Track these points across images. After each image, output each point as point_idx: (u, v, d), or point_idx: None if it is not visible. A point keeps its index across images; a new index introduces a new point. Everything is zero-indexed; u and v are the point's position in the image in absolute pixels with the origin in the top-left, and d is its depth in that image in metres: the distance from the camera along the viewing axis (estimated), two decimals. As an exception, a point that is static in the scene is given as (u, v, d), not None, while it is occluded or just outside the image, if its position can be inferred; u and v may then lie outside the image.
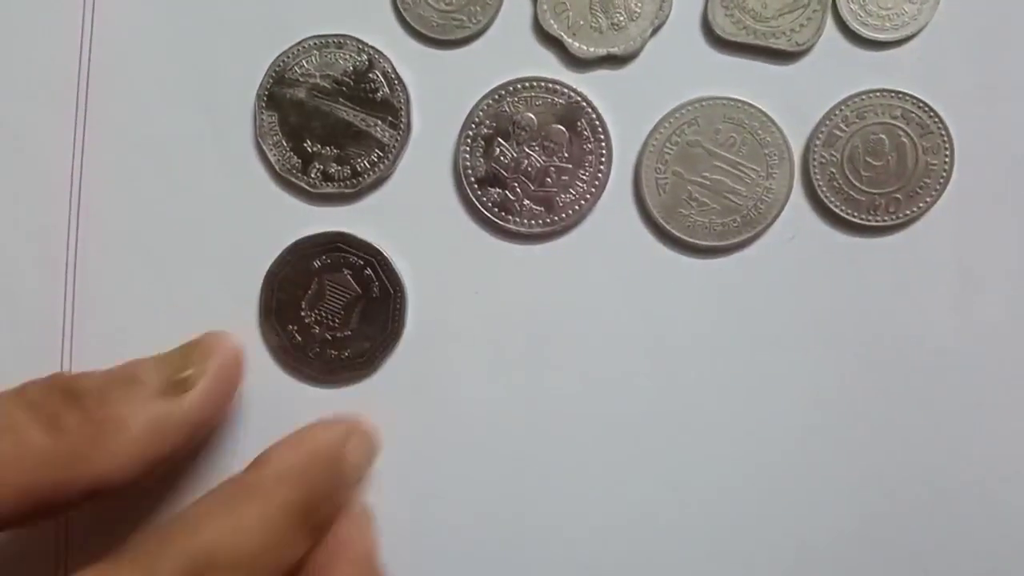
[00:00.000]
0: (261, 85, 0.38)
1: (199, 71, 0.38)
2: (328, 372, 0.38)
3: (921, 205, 0.36)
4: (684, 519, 0.38)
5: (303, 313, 0.38)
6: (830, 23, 0.36)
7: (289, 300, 0.38)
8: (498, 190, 0.37)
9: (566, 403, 0.38)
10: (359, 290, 0.38)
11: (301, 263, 0.38)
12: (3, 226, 0.39)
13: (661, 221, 0.37)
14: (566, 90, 0.37)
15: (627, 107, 0.37)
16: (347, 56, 0.38)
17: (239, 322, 0.38)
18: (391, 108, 0.38)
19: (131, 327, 0.39)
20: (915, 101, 0.36)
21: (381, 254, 0.38)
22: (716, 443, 0.38)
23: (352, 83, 0.38)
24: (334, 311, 0.38)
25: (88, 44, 0.39)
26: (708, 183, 0.37)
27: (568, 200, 0.37)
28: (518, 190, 0.37)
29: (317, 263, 0.38)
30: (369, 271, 0.38)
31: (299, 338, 0.38)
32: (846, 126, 0.36)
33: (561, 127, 0.37)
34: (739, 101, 0.36)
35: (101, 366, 0.37)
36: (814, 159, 0.36)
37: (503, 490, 0.38)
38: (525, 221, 0.37)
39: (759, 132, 0.36)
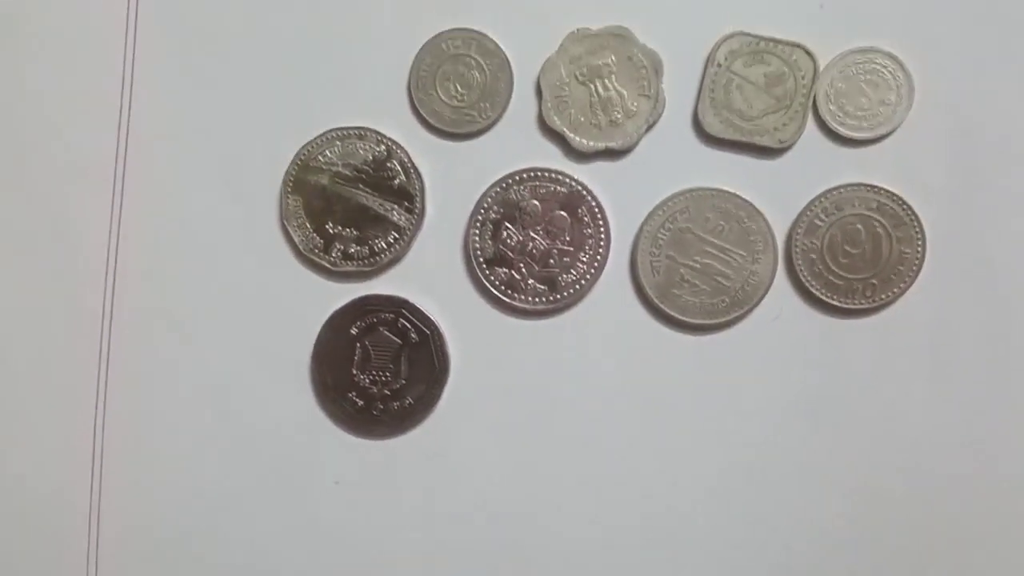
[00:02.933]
0: (287, 172, 0.41)
1: (229, 158, 0.41)
2: (399, 424, 0.40)
3: (895, 290, 0.39)
4: (672, 569, 0.40)
5: (357, 379, 0.40)
6: (811, 122, 0.39)
7: (340, 371, 0.40)
8: (505, 270, 0.40)
9: (566, 467, 0.40)
10: (399, 341, 0.40)
11: (340, 335, 0.40)
12: (39, 306, 0.42)
13: (656, 300, 0.39)
14: (568, 179, 0.40)
15: (624, 196, 0.40)
16: (367, 147, 0.41)
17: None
18: (407, 194, 0.41)
19: (165, 411, 0.41)
20: (889, 195, 0.38)
21: (407, 302, 0.40)
22: (706, 504, 0.40)
23: (371, 171, 0.41)
24: (384, 367, 0.40)
25: (125, 131, 0.42)
26: (699, 266, 0.39)
27: (570, 280, 0.40)
28: (524, 270, 0.40)
29: (354, 330, 0.40)
30: (402, 320, 0.40)
31: (361, 402, 0.40)
32: (826, 216, 0.39)
33: (563, 213, 0.40)
34: (727, 192, 0.39)
35: (134, 453, 0.40)
36: (796, 246, 0.39)
37: (507, 547, 0.41)
38: (530, 299, 0.40)
39: (745, 220, 0.39)
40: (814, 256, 0.39)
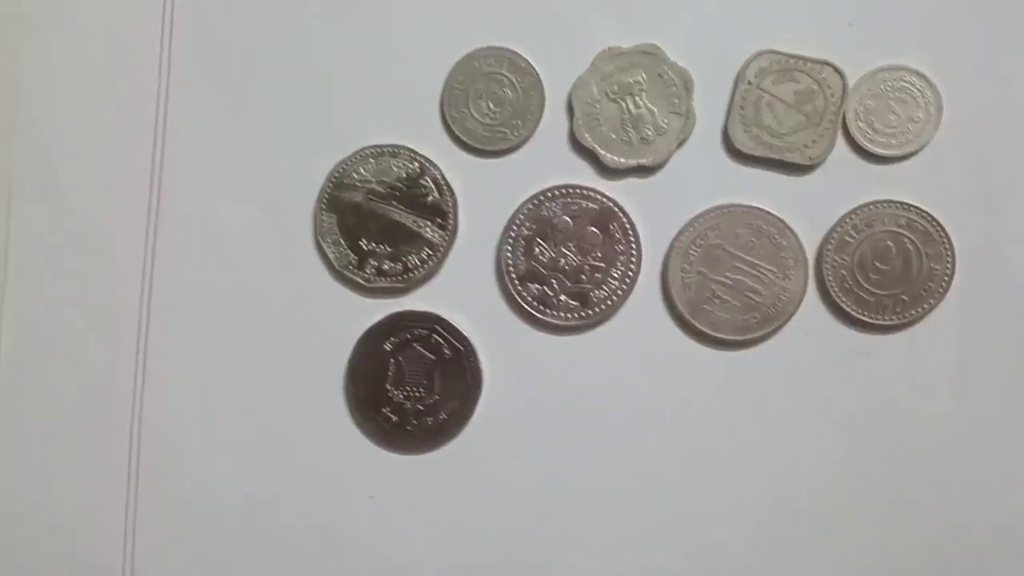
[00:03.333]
0: (322, 189, 0.41)
1: (264, 176, 0.42)
2: (432, 439, 0.41)
3: (925, 306, 0.39)
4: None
5: (391, 394, 0.41)
6: (840, 139, 0.39)
7: (374, 387, 0.41)
8: (537, 286, 0.41)
9: (598, 482, 0.41)
10: (432, 356, 0.41)
11: (374, 350, 0.41)
12: (75, 321, 0.42)
13: (687, 316, 0.40)
14: (599, 196, 0.40)
15: (655, 212, 0.40)
16: (400, 164, 0.41)
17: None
18: (440, 211, 0.41)
19: (200, 428, 0.42)
20: (919, 211, 0.39)
21: (441, 318, 0.41)
22: (736, 518, 0.40)
23: (405, 188, 0.41)
24: (417, 382, 0.41)
25: (160, 150, 0.42)
26: (730, 282, 0.40)
27: (601, 296, 0.40)
28: (556, 286, 0.40)
29: (388, 346, 0.41)
30: (436, 337, 0.41)
31: (395, 418, 0.41)
32: (856, 233, 0.39)
33: (595, 229, 0.40)
34: (757, 208, 0.40)
35: (168, 469, 0.40)
36: (827, 262, 0.39)
37: (539, 562, 0.41)
38: (562, 315, 0.40)
39: (776, 237, 0.39)
40: (845, 272, 0.39)
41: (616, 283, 0.40)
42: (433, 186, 0.41)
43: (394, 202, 0.41)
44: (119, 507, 0.42)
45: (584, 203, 0.40)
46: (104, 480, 0.42)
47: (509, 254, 0.41)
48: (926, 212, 0.39)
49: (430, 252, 0.41)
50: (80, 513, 0.42)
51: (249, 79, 0.42)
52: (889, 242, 0.39)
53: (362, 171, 0.41)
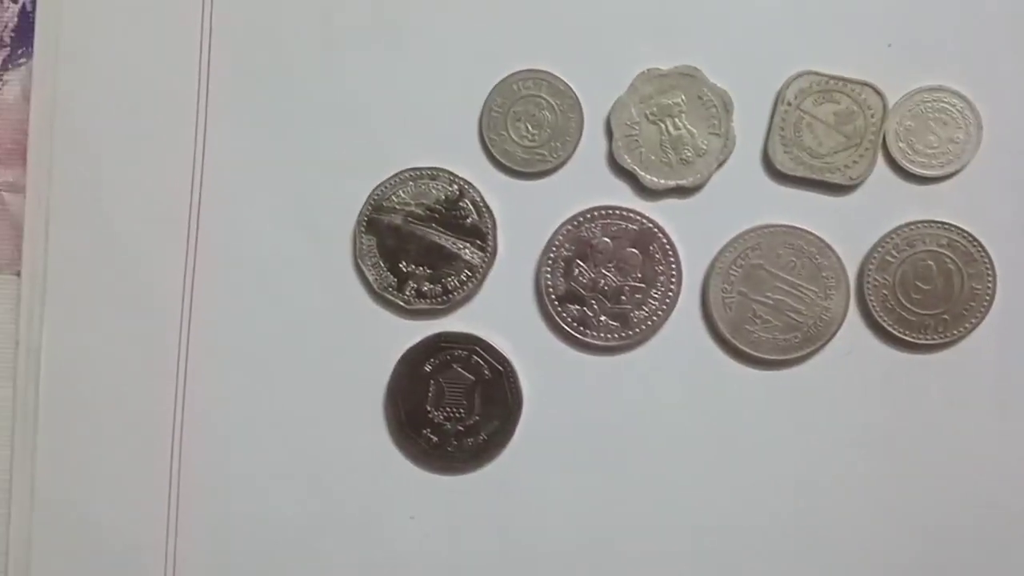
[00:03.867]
0: (361, 212, 0.41)
1: (304, 199, 0.42)
2: (473, 459, 0.41)
3: (967, 326, 0.39)
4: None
5: (431, 415, 0.41)
6: (881, 160, 0.39)
7: (415, 408, 0.41)
8: (577, 307, 0.41)
9: (639, 502, 0.41)
10: (472, 377, 0.41)
11: (414, 371, 0.41)
12: (115, 347, 0.42)
13: (728, 336, 0.40)
14: (639, 217, 0.40)
15: (695, 233, 0.40)
16: (439, 186, 0.41)
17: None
18: (479, 233, 0.41)
19: (241, 449, 0.42)
20: (960, 231, 0.39)
21: (480, 339, 0.41)
22: (777, 539, 0.40)
23: (444, 210, 0.41)
24: (458, 403, 0.41)
25: (200, 173, 0.42)
26: (771, 302, 0.40)
27: (642, 316, 0.40)
28: (595, 307, 0.41)
29: (428, 367, 0.41)
30: (475, 357, 0.41)
31: (435, 438, 0.41)
32: (897, 253, 0.39)
33: (635, 250, 0.40)
34: (798, 229, 0.40)
35: (209, 491, 0.41)
36: (868, 282, 0.39)
37: (576, 571, 0.41)
38: (602, 335, 0.41)
39: (817, 257, 0.40)
40: (886, 292, 0.39)
41: (656, 303, 0.40)
42: (472, 208, 0.41)
43: (433, 224, 0.41)
44: (160, 529, 0.42)
45: (624, 224, 0.40)
46: (145, 503, 0.42)
47: (548, 275, 0.41)
48: (967, 232, 0.39)
49: (469, 274, 0.41)
50: (122, 537, 0.42)
51: (288, 104, 0.42)
52: (930, 262, 0.39)
53: (401, 194, 0.41)
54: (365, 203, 0.41)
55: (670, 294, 0.40)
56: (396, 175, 0.41)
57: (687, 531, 0.41)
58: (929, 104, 0.39)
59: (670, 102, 0.40)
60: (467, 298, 0.41)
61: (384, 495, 0.42)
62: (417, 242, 0.41)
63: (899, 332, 0.39)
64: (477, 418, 0.41)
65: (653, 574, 0.41)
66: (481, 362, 0.41)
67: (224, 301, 0.42)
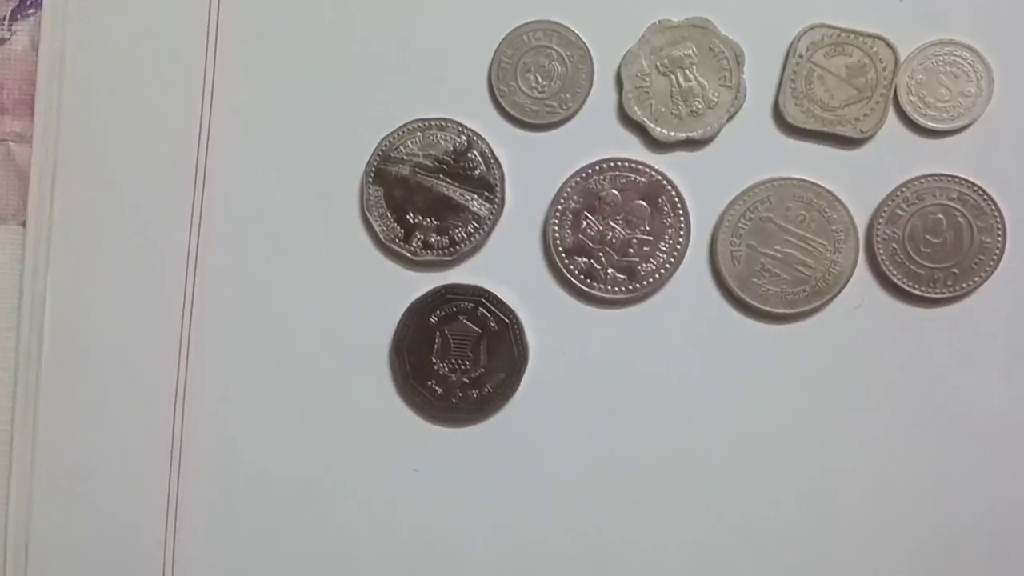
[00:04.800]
0: (368, 163, 0.41)
1: (311, 149, 0.42)
2: (478, 411, 0.41)
3: (976, 279, 0.39)
4: (751, 558, 0.40)
5: (436, 367, 0.41)
6: (892, 113, 0.39)
7: (420, 360, 0.41)
8: (585, 259, 0.41)
9: (645, 456, 0.41)
10: (478, 329, 0.41)
11: (420, 323, 0.41)
12: (120, 299, 0.42)
13: (736, 289, 0.40)
14: (648, 170, 0.40)
15: (704, 186, 0.40)
16: (448, 137, 0.41)
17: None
18: (487, 184, 0.41)
19: (246, 399, 0.42)
20: (970, 185, 0.39)
21: (487, 291, 0.41)
22: (784, 493, 0.40)
23: (452, 162, 0.41)
24: (463, 355, 0.41)
25: (207, 124, 0.42)
26: (779, 255, 0.40)
27: (649, 269, 0.40)
28: (603, 260, 0.40)
29: (434, 319, 0.41)
30: (482, 309, 0.41)
31: (440, 390, 0.41)
32: (907, 206, 0.39)
33: (643, 203, 0.40)
34: (808, 182, 0.40)
35: (214, 440, 0.41)
36: (878, 235, 0.39)
37: (584, 535, 0.41)
38: (609, 288, 0.40)
39: (826, 210, 0.39)
40: (895, 245, 0.39)
41: (664, 256, 0.40)
42: (480, 159, 0.41)
43: (441, 175, 0.41)
44: (163, 480, 0.42)
45: (632, 176, 0.40)
46: (148, 454, 0.42)
47: (556, 228, 0.41)
48: (977, 185, 0.39)
49: (476, 225, 0.41)
50: (124, 485, 0.42)
51: (296, 54, 0.42)
52: (940, 215, 0.39)
53: (409, 144, 0.41)
54: (373, 154, 0.41)
55: (678, 247, 0.40)
56: (404, 126, 0.41)
57: (693, 484, 0.40)
58: (941, 58, 0.39)
59: (681, 54, 0.40)
60: (474, 250, 0.41)
61: (389, 447, 0.41)
62: (424, 193, 0.41)
63: (908, 286, 0.39)
64: (482, 370, 0.41)
65: (658, 526, 0.41)
66: (487, 314, 0.41)
67: (230, 252, 0.42)
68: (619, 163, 0.40)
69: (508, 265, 0.41)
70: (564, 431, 0.41)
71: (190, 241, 0.42)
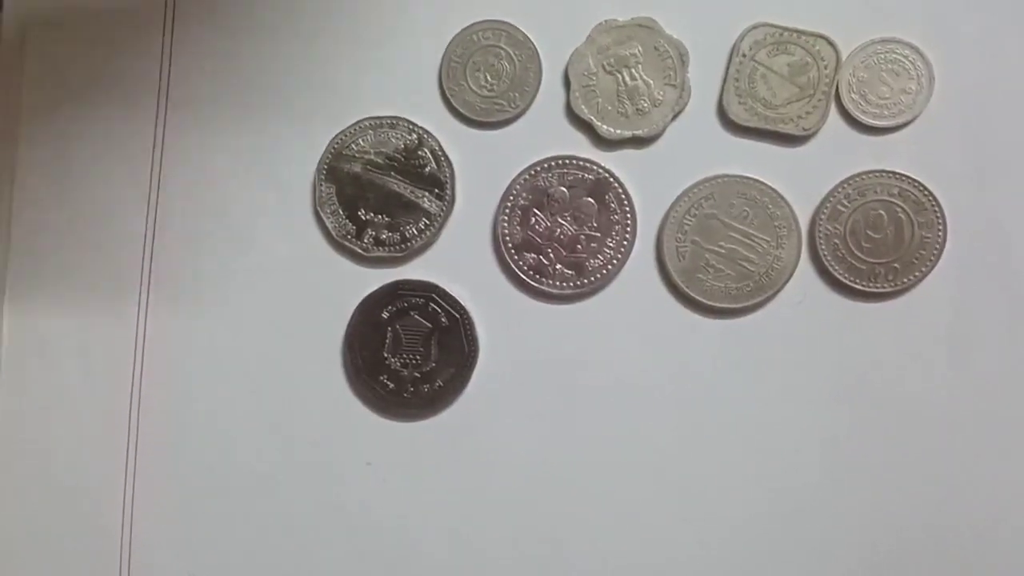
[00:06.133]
0: (321, 160, 0.42)
1: (265, 146, 0.42)
2: (429, 406, 0.41)
3: (917, 274, 0.39)
4: (699, 552, 0.41)
5: (388, 362, 0.41)
6: (833, 111, 0.40)
7: (372, 355, 0.41)
8: (533, 255, 0.41)
9: (593, 449, 0.41)
10: (429, 324, 0.41)
11: (371, 319, 0.41)
12: (76, 290, 0.43)
13: (681, 285, 0.40)
14: (595, 167, 0.41)
15: (650, 183, 0.41)
16: (399, 135, 0.42)
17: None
18: (438, 182, 0.41)
19: (199, 394, 0.42)
20: (911, 181, 0.39)
21: (437, 287, 0.41)
22: (729, 485, 0.40)
23: (403, 159, 0.42)
24: (414, 350, 0.41)
25: (163, 121, 0.43)
26: (724, 251, 0.40)
27: (597, 265, 0.41)
28: (552, 255, 0.41)
29: (385, 314, 0.41)
30: (432, 305, 0.41)
31: (392, 384, 0.41)
32: (848, 202, 0.39)
33: (591, 200, 0.41)
34: (751, 179, 0.40)
35: (167, 435, 0.41)
36: (820, 231, 0.40)
37: (534, 529, 0.41)
38: (558, 283, 0.41)
39: (769, 207, 0.40)
40: (837, 241, 0.39)
41: (611, 252, 0.41)
42: (431, 157, 0.41)
43: (392, 173, 0.42)
44: (119, 472, 0.43)
45: (580, 174, 0.41)
46: (104, 446, 0.43)
47: (505, 224, 0.41)
48: (918, 182, 0.39)
49: (427, 222, 0.41)
50: (81, 478, 0.43)
51: (250, 51, 0.42)
52: (881, 211, 0.39)
53: (361, 142, 0.42)
54: (325, 151, 0.42)
55: (625, 243, 0.41)
56: (356, 124, 0.42)
57: (642, 476, 0.41)
58: (882, 55, 0.39)
59: (627, 53, 0.41)
60: (425, 246, 0.42)
61: (341, 441, 0.42)
62: (376, 190, 0.42)
63: (850, 281, 0.39)
64: (433, 365, 0.41)
65: (609, 518, 0.41)
66: (438, 309, 0.41)
67: (184, 246, 0.43)
68: (567, 161, 0.41)
69: (458, 261, 0.42)
70: (514, 425, 0.41)
71: (145, 236, 0.43)
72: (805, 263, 0.40)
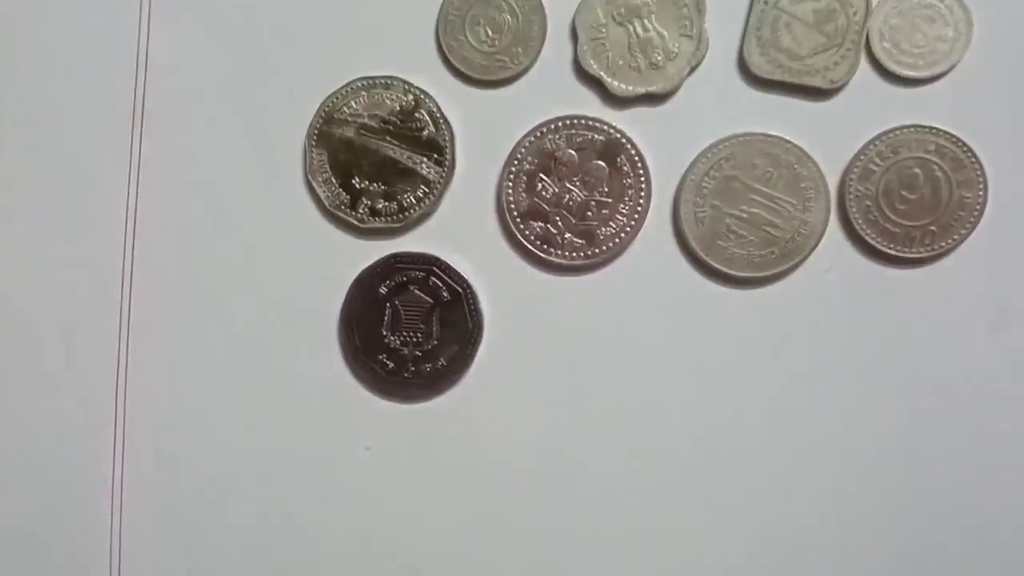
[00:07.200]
0: (311, 125, 0.39)
1: (250, 110, 0.40)
2: (431, 386, 0.39)
3: (956, 237, 0.37)
4: (718, 537, 0.39)
5: (387, 340, 0.39)
6: (864, 61, 0.37)
7: (370, 333, 0.39)
8: (540, 224, 0.39)
9: (606, 430, 0.39)
10: (430, 300, 0.39)
11: (369, 295, 0.39)
12: (57, 271, 0.41)
13: (700, 253, 0.38)
14: (606, 127, 0.38)
15: (666, 143, 0.38)
16: (394, 96, 0.39)
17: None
18: (436, 146, 0.39)
19: (189, 375, 0.40)
20: (949, 136, 0.37)
21: (438, 259, 0.39)
22: (752, 467, 0.38)
23: (399, 122, 0.39)
24: (415, 328, 0.39)
25: (142, 85, 0.40)
26: (746, 216, 0.38)
27: (609, 233, 0.38)
28: (560, 224, 0.39)
29: (383, 289, 0.39)
30: (433, 279, 0.39)
31: (391, 364, 0.39)
32: (881, 160, 0.37)
33: (601, 163, 0.38)
34: (775, 137, 0.38)
35: (156, 419, 0.40)
36: (850, 193, 0.37)
37: (542, 514, 0.39)
38: (567, 254, 0.39)
39: (795, 167, 0.37)
40: (869, 203, 0.37)
41: (624, 219, 0.38)
42: (429, 119, 0.39)
43: (388, 137, 0.39)
44: (107, 458, 0.41)
45: (589, 135, 0.38)
46: (91, 432, 0.41)
47: (510, 190, 0.39)
48: (956, 136, 0.37)
49: (426, 190, 0.39)
50: (67, 464, 0.41)
51: (233, 7, 0.40)
52: (916, 169, 0.37)
53: (353, 104, 0.39)
54: (315, 115, 0.39)
55: (639, 209, 0.38)
56: (347, 84, 0.39)
57: (658, 458, 0.39)
58: (915, 0, 0.37)
59: (638, 2, 0.38)
60: (424, 216, 0.39)
61: (338, 424, 0.40)
62: (371, 156, 0.39)
63: (883, 246, 0.37)
64: (435, 343, 0.39)
65: (622, 505, 0.39)
66: (439, 283, 0.39)
67: (169, 220, 0.40)
68: (575, 121, 0.38)
69: (460, 231, 0.39)
70: (521, 407, 0.39)
71: (128, 209, 0.41)
72: (834, 227, 0.38)
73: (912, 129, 0.37)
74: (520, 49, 0.39)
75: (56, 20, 0.41)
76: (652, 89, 0.38)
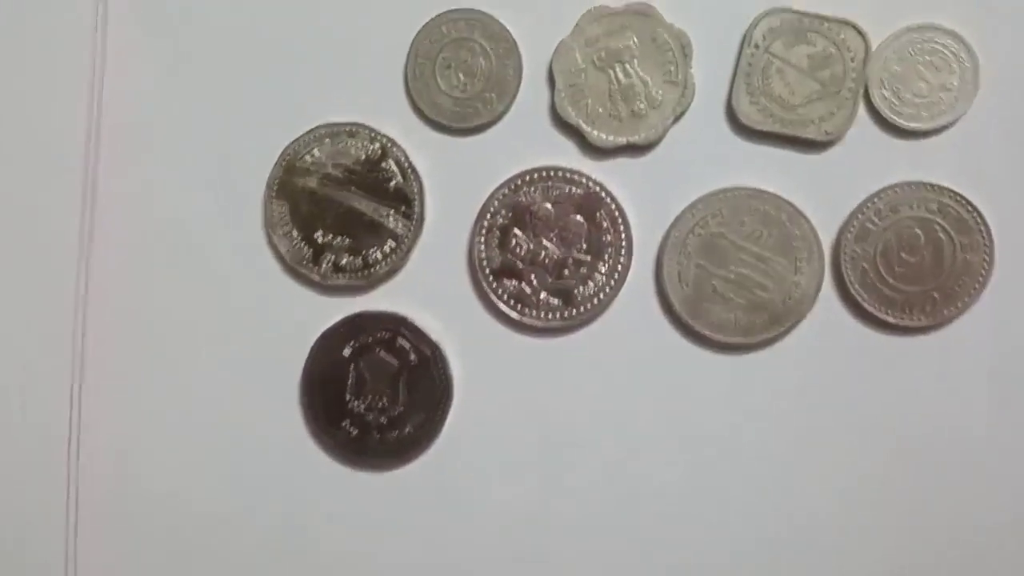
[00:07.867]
0: (271, 174, 0.38)
1: (207, 158, 0.39)
2: (397, 454, 0.38)
3: (959, 305, 0.35)
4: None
5: (351, 405, 0.38)
6: (862, 111, 0.36)
7: (333, 397, 0.38)
8: (514, 282, 0.37)
9: (584, 503, 0.37)
10: (396, 362, 0.38)
11: (332, 355, 0.38)
12: (4, 325, 0.39)
13: (684, 316, 0.36)
14: (584, 179, 0.37)
15: (648, 197, 0.37)
16: (359, 144, 0.38)
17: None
18: (404, 198, 0.38)
19: (142, 443, 0.39)
20: (952, 195, 0.35)
21: (405, 319, 0.38)
22: (742, 544, 0.37)
23: (364, 172, 0.38)
24: (381, 392, 0.38)
25: (96, 127, 0.39)
26: (733, 277, 0.36)
27: (587, 293, 0.37)
28: (535, 282, 0.37)
29: (347, 351, 0.38)
30: (400, 340, 0.38)
31: (356, 431, 0.38)
32: (879, 219, 0.35)
33: (579, 217, 0.37)
34: (766, 192, 0.36)
35: (110, 488, 0.38)
36: (845, 254, 0.36)
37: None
38: (542, 314, 0.37)
39: (787, 225, 0.36)
40: (866, 265, 0.36)
41: (604, 278, 0.37)
42: (396, 169, 0.38)
43: (353, 188, 0.38)
44: (59, 525, 0.39)
45: (567, 187, 0.37)
46: (42, 499, 0.39)
47: (482, 246, 0.37)
48: (960, 195, 0.35)
49: (394, 244, 0.38)
50: (18, 530, 0.39)
51: (192, 48, 0.39)
52: (918, 229, 0.35)
53: (316, 153, 0.38)
54: (276, 164, 0.38)
55: (619, 267, 0.37)
56: (310, 132, 0.38)
57: (639, 534, 0.37)
58: (919, 46, 0.35)
59: (620, 45, 0.37)
60: (391, 272, 0.38)
61: (300, 493, 0.38)
62: (335, 208, 0.38)
63: (881, 312, 0.35)
64: (402, 408, 0.38)
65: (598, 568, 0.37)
66: (406, 345, 0.37)
67: (122, 274, 0.39)
68: (551, 172, 0.37)
69: (429, 289, 0.38)
70: (494, 476, 0.37)
71: (79, 260, 0.39)
72: (828, 290, 0.36)
73: (913, 186, 0.35)
74: (494, 95, 0.37)
75: (9, 55, 0.39)
76: (634, 139, 0.36)
